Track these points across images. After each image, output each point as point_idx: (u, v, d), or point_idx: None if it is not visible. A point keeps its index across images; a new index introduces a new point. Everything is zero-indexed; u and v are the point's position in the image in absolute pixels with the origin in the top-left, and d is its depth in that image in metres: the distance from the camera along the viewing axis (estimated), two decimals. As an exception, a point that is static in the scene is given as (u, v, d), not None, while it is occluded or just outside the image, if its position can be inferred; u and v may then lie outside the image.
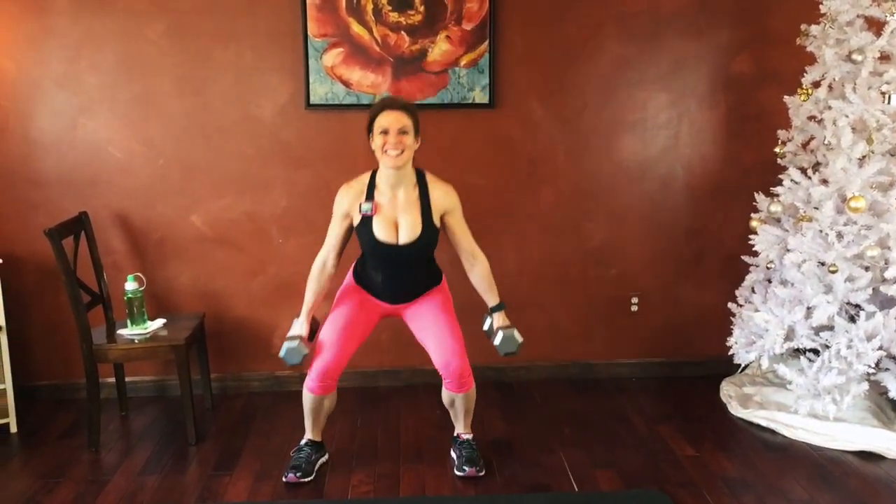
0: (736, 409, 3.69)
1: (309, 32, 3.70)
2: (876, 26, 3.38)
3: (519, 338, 3.10)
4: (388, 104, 2.94)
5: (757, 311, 3.61)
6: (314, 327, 3.18)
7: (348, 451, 3.37)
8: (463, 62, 3.78)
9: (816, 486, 3.06)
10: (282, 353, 3.07)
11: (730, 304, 3.84)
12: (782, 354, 3.62)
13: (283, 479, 3.10)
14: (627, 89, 3.90)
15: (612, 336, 4.16)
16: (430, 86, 3.79)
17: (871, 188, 3.27)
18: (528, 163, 3.93)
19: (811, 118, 3.57)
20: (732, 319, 3.82)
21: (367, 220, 3.00)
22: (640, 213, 4.02)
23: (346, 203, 3.03)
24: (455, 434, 3.28)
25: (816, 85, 3.51)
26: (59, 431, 3.58)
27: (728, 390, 3.86)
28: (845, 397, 3.30)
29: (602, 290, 4.08)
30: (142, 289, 3.50)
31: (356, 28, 3.72)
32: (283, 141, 3.82)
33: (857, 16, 3.35)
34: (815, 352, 3.51)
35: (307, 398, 3.12)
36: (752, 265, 3.80)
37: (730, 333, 3.81)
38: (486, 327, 3.21)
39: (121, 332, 3.48)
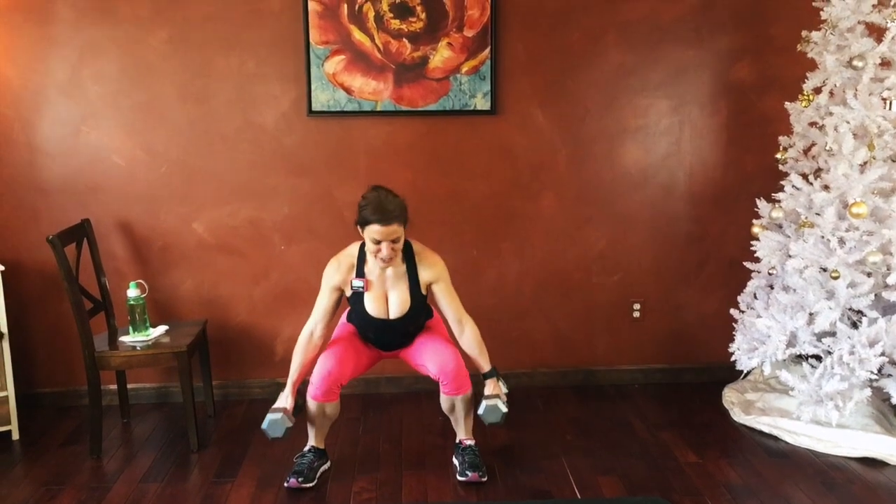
0: (738, 416, 3.68)
1: (311, 40, 3.71)
2: (877, 32, 3.38)
3: (503, 408, 3.11)
4: (381, 218, 2.90)
5: (759, 317, 3.61)
6: (299, 402, 3.17)
7: (350, 458, 3.37)
8: (464, 69, 3.79)
9: (819, 492, 3.05)
10: (264, 425, 3.06)
11: (732, 311, 3.83)
12: (784, 360, 3.61)
13: (285, 485, 3.10)
14: (629, 96, 3.91)
15: (615, 342, 4.15)
16: (431, 93, 3.80)
17: (873, 194, 3.26)
18: (529, 169, 3.93)
19: (812, 124, 3.58)
20: (734, 325, 3.82)
21: (358, 296, 3.09)
22: (641, 219, 4.03)
23: (339, 278, 3.11)
24: (457, 440, 3.28)
25: (818, 91, 3.51)
26: (61, 438, 3.59)
27: (730, 396, 3.85)
28: (848, 403, 3.29)
29: (604, 296, 4.08)
30: (144, 296, 3.51)
31: (358, 35, 3.73)
32: (285, 148, 3.83)
33: (858, 22, 3.35)
34: (818, 358, 3.51)
35: (310, 405, 3.14)
36: (753, 271, 3.79)
37: (732, 339, 3.80)
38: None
39: (123, 339, 3.48)
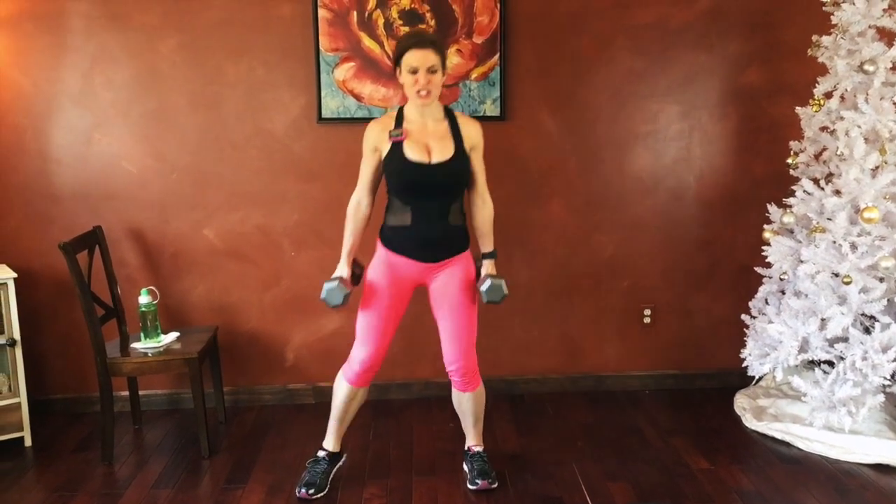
0: (750, 422, 3.66)
1: (321, 47, 3.72)
2: (888, 37, 3.37)
3: (505, 290, 3.06)
4: (416, 41, 2.85)
5: (770, 322, 3.59)
6: (356, 271, 3.12)
7: (361, 464, 3.37)
8: (474, 75, 3.79)
9: (832, 499, 3.03)
10: (323, 295, 2.99)
11: (743, 316, 3.82)
12: (796, 366, 3.59)
13: (297, 494, 3.09)
14: (638, 101, 3.90)
15: (625, 348, 4.14)
16: (441, 99, 3.79)
17: (885, 199, 3.25)
18: (539, 175, 3.93)
19: (823, 129, 3.56)
20: (746, 331, 3.80)
21: (397, 147, 2.94)
22: (651, 224, 4.02)
23: (374, 135, 2.99)
24: (466, 447, 3.27)
25: (828, 96, 3.50)
26: (72, 445, 3.60)
27: (742, 402, 3.84)
28: (861, 409, 3.27)
29: (614, 301, 4.07)
30: (155, 302, 3.52)
31: (367, 42, 3.74)
32: (295, 155, 3.84)
33: (869, 26, 3.34)
34: (830, 363, 3.49)
35: (342, 389, 3.10)
36: (765, 276, 3.78)
37: (743, 345, 3.79)
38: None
39: (134, 345, 3.49)
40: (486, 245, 3.15)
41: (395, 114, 3.03)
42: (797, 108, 3.64)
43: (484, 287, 3.07)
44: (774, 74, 3.90)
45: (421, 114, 2.98)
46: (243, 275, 3.92)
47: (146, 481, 3.25)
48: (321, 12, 3.69)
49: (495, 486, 3.12)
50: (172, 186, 3.82)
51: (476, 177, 3.08)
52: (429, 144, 2.95)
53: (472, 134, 3.02)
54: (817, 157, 3.63)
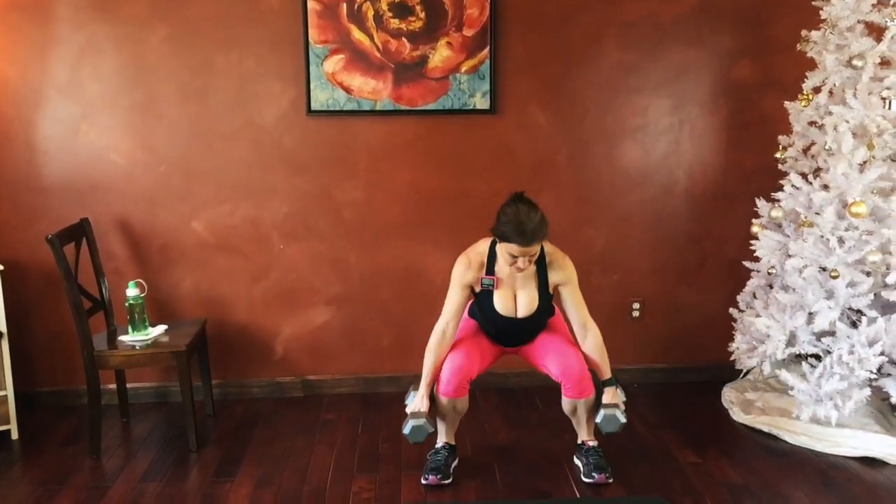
0: (738, 415, 3.68)
1: (310, 39, 3.70)
2: (876, 32, 3.37)
3: (622, 418, 3.07)
4: (523, 239, 2.86)
5: (758, 316, 3.61)
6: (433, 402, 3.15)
7: (349, 458, 3.36)
8: (464, 68, 3.78)
9: (819, 492, 3.05)
10: (406, 431, 3.03)
11: (731, 310, 3.84)
12: (784, 360, 3.61)
13: (423, 481, 3.10)
14: (628, 95, 3.91)
15: (614, 342, 4.08)
16: (430, 92, 3.80)
17: (873, 193, 3.26)
18: (528, 169, 3.93)
19: (812, 123, 3.57)
20: (734, 325, 3.82)
21: (486, 294, 3.08)
22: (641, 218, 4.02)
23: (470, 276, 3.08)
24: (580, 441, 3.25)
25: (817, 90, 3.51)
26: (60, 438, 3.58)
27: (730, 396, 3.85)
28: (847, 403, 3.29)
29: (603, 296, 4.07)
30: (143, 295, 3.50)
31: (357, 34, 3.73)
32: (285, 147, 3.82)
33: (858, 21, 3.35)
34: (817, 357, 3.50)
35: (440, 402, 3.12)
36: (753, 271, 3.79)
37: (731, 339, 3.80)
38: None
39: (122, 338, 3.48)
40: (603, 373, 3.17)
41: (486, 251, 3.09)
42: (786, 102, 3.65)
43: (598, 419, 3.10)
44: (764, 69, 3.90)
45: None
46: (232, 267, 3.91)
47: (134, 474, 3.24)
48: (310, 4, 3.67)
49: (611, 480, 3.11)
50: (161, 178, 3.80)
51: (572, 312, 3.16)
52: (517, 292, 3.09)
53: (558, 277, 3.11)
54: (806, 151, 3.64)
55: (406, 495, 3.05)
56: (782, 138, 3.70)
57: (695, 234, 4.06)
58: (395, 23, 3.72)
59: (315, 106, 3.77)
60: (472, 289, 3.12)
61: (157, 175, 3.80)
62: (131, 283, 3.48)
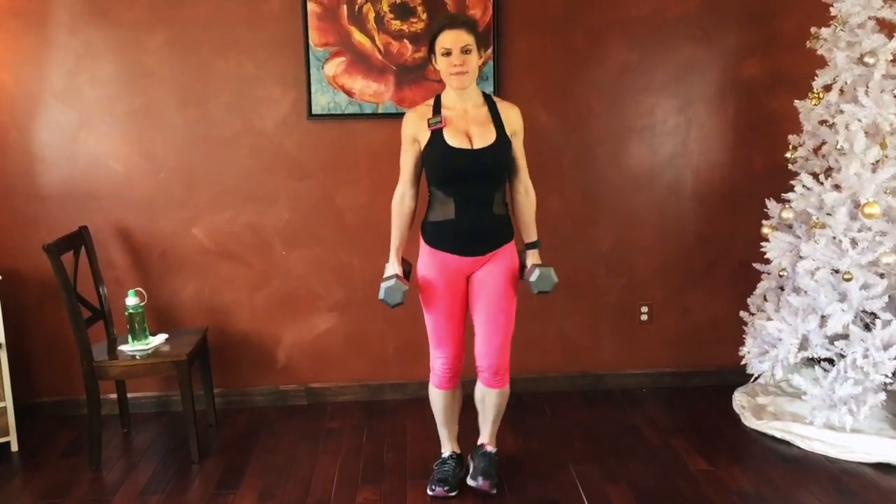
0: (749, 420, 3.62)
1: (310, 42, 3.65)
2: (888, 28, 3.32)
3: (555, 277, 3.00)
4: (447, 22, 2.81)
5: (769, 319, 3.54)
6: (406, 268, 3.07)
7: (354, 468, 3.31)
8: (467, 70, 3.72)
9: (833, 498, 2.99)
10: (381, 295, 2.92)
11: (741, 313, 3.77)
12: (796, 364, 3.55)
13: (429, 493, 3.05)
14: (634, 95, 3.85)
15: (622, 346, 4.09)
16: (433, 94, 3.68)
17: (886, 193, 3.20)
18: (533, 170, 3.85)
19: (823, 122, 3.51)
20: (744, 328, 3.76)
21: (437, 135, 2.86)
22: (648, 220, 3.96)
23: (412, 125, 2.91)
24: (479, 442, 3.19)
25: (828, 89, 3.45)
26: (60, 449, 3.54)
27: (741, 401, 3.79)
28: (862, 408, 3.23)
29: (611, 299, 4.02)
30: (143, 304, 3.46)
31: (358, 37, 3.68)
32: (286, 152, 3.77)
33: (869, 18, 3.29)
34: (830, 361, 3.45)
35: (437, 397, 3.07)
36: (763, 273, 3.73)
37: (742, 342, 3.74)
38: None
39: (122, 347, 3.43)
40: (530, 235, 3.08)
41: (431, 102, 2.95)
42: (796, 101, 3.59)
43: (533, 277, 2.99)
44: (772, 67, 3.84)
45: (460, 98, 2.90)
46: (233, 275, 3.86)
47: (135, 487, 3.19)
48: (310, 6, 3.62)
49: (494, 492, 3.05)
50: (160, 185, 3.75)
51: (518, 163, 3.01)
52: (469, 130, 2.88)
53: (513, 118, 2.96)
54: (816, 151, 3.58)
55: (411, 506, 3.01)
56: (792, 138, 3.64)
57: (703, 235, 4.00)
58: (396, 24, 3.67)
59: (316, 110, 3.72)
60: (421, 147, 2.91)
61: (156, 182, 3.75)
62: (131, 292, 3.43)
